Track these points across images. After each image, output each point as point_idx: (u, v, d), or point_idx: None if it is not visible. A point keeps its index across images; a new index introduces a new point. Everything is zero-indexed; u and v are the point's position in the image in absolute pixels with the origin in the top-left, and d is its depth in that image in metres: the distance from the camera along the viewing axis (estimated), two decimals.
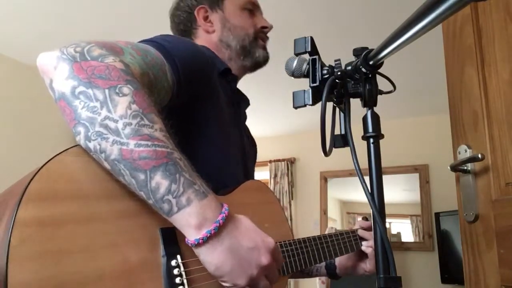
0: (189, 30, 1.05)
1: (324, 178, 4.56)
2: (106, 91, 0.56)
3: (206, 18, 1.03)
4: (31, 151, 2.82)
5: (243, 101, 1.06)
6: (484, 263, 1.02)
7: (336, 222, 4.45)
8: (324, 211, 4.47)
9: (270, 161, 4.80)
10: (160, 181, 0.56)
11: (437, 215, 3.78)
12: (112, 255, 0.56)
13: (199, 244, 0.58)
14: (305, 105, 0.68)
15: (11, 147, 2.82)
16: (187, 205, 0.57)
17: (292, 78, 0.73)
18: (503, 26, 1.02)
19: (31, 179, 0.52)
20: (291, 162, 4.76)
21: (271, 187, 4.70)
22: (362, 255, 1.09)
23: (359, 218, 4.13)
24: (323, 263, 1.11)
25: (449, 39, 1.17)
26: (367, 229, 1.11)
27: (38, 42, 2.66)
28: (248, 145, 1.03)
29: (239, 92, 1.05)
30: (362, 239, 1.09)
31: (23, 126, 2.92)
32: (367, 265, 1.07)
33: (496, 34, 1.04)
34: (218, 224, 0.58)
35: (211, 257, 0.59)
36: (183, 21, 1.05)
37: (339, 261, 1.10)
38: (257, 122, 4.37)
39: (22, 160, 2.68)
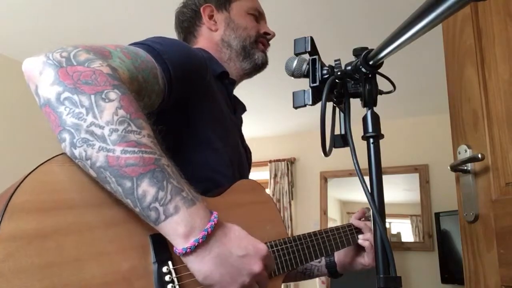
0: (192, 27, 1.06)
1: (324, 178, 4.56)
2: (92, 97, 0.55)
3: (211, 17, 1.04)
4: (30, 151, 2.81)
5: (239, 107, 1.05)
6: (484, 263, 1.02)
7: (336, 222, 4.45)
8: (324, 211, 4.47)
9: (270, 161, 4.80)
10: (147, 189, 0.55)
11: (437, 215, 3.78)
12: (102, 264, 0.55)
13: (187, 253, 0.56)
14: (305, 105, 0.68)
15: (9, 146, 2.82)
16: (174, 213, 0.56)
17: (292, 78, 0.73)
18: (503, 26, 1.02)
19: (14, 191, 0.51)
20: (291, 162, 4.75)
21: (271, 187, 4.69)
22: (360, 250, 1.09)
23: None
24: (323, 262, 1.11)
25: (449, 39, 1.17)
26: (361, 217, 1.11)
27: (35, 39, 2.66)
28: (243, 152, 1.02)
29: (235, 98, 1.05)
30: (359, 232, 1.08)
31: (21, 124, 2.92)
32: (365, 259, 1.06)
33: (496, 34, 1.04)
34: (206, 233, 0.57)
35: (200, 266, 0.58)
36: (188, 18, 1.06)
37: (337, 258, 1.10)
38: (257, 122, 4.37)
39: (20, 159, 2.68)
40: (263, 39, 1.06)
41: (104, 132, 0.54)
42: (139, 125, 0.57)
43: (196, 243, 0.56)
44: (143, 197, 0.55)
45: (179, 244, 0.57)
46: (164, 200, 0.56)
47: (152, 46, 0.72)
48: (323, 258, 1.10)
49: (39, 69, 0.56)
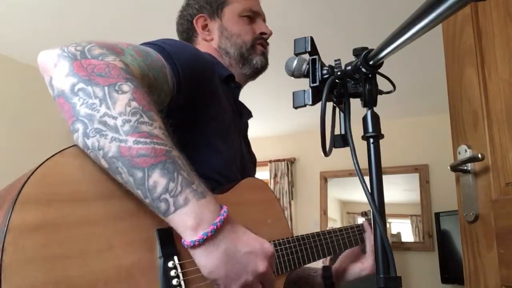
0: (190, 39, 1.06)
1: (324, 178, 4.56)
2: (106, 88, 0.56)
3: (204, 27, 1.04)
4: (30, 150, 2.81)
5: (245, 112, 1.05)
6: (484, 263, 1.02)
7: (336, 222, 4.45)
8: (324, 211, 4.47)
9: (270, 161, 4.80)
10: (158, 179, 0.55)
11: (437, 215, 3.78)
12: (108, 258, 0.56)
13: (195, 246, 0.57)
14: (305, 105, 0.68)
15: (9, 146, 2.82)
16: (184, 205, 0.56)
17: (292, 78, 0.73)
18: (503, 26, 1.02)
19: (25, 183, 0.51)
20: (291, 162, 4.76)
21: (271, 187, 4.69)
22: (358, 256, 1.07)
23: (359, 217, 4.12)
24: (319, 272, 1.07)
25: (449, 39, 1.17)
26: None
27: (35, 40, 2.66)
28: (246, 153, 1.02)
29: (241, 104, 1.04)
30: (362, 240, 1.07)
31: (21, 124, 2.92)
32: (364, 263, 1.04)
33: (496, 34, 1.04)
34: (215, 227, 0.57)
35: (206, 260, 0.58)
36: (186, 29, 1.07)
37: (334, 266, 1.06)
38: (257, 122, 4.37)
39: (20, 159, 2.68)
40: (260, 41, 1.04)
41: (117, 122, 0.55)
42: (151, 117, 0.58)
43: (205, 237, 0.56)
44: (154, 188, 0.55)
45: (188, 236, 0.57)
46: (174, 191, 0.56)
47: (162, 46, 0.73)
48: (319, 269, 1.08)
49: (54, 61, 0.57)
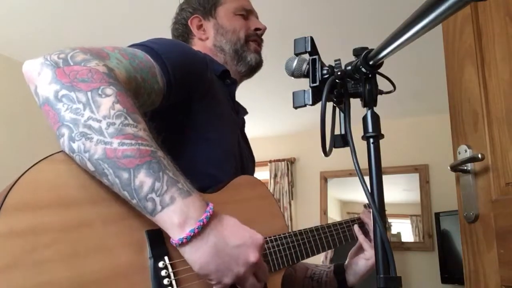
0: (187, 41, 1.07)
1: (324, 178, 4.55)
2: (89, 93, 0.56)
3: (200, 27, 1.05)
4: (30, 150, 2.81)
5: (241, 109, 1.06)
6: (484, 263, 1.02)
7: None
8: (324, 211, 4.46)
9: (270, 161, 4.80)
10: (143, 179, 0.56)
11: (437, 215, 3.78)
12: (99, 260, 0.56)
13: (183, 243, 0.57)
14: (305, 105, 0.68)
15: (9, 146, 2.82)
16: (170, 203, 0.57)
17: (292, 78, 0.73)
18: (503, 26, 1.02)
19: (10, 189, 0.51)
20: (291, 162, 4.75)
21: (271, 187, 4.69)
22: (362, 250, 1.05)
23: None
24: (332, 268, 1.07)
25: (449, 39, 1.17)
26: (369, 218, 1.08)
27: (35, 40, 2.66)
28: (244, 148, 1.02)
29: (237, 102, 1.05)
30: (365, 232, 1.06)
31: (21, 124, 2.92)
32: (367, 253, 1.02)
33: (496, 34, 1.04)
34: (202, 223, 0.58)
35: (196, 256, 0.59)
36: (181, 33, 1.08)
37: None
38: (257, 122, 4.37)
39: (20, 159, 2.67)
40: (254, 37, 1.06)
41: (101, 125, 0.56)
42: (136, 119, 0.58)
43: (192, 233, 0.57)
44: (140, 188, 0.56)
45: (175, 235, 0.58)
46: (160, 190, 0.57)
47: (150, 46, 0.73)
48: (332, 265, 1.08)
49: (37, 70, 0.58)
